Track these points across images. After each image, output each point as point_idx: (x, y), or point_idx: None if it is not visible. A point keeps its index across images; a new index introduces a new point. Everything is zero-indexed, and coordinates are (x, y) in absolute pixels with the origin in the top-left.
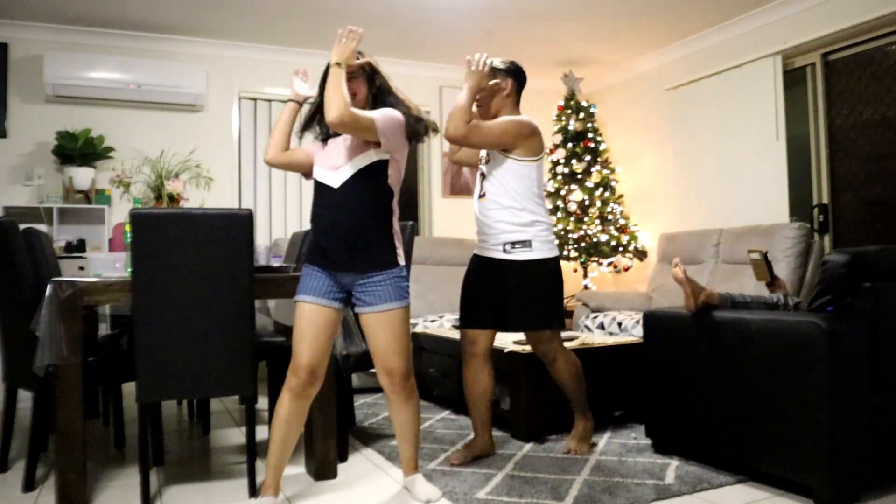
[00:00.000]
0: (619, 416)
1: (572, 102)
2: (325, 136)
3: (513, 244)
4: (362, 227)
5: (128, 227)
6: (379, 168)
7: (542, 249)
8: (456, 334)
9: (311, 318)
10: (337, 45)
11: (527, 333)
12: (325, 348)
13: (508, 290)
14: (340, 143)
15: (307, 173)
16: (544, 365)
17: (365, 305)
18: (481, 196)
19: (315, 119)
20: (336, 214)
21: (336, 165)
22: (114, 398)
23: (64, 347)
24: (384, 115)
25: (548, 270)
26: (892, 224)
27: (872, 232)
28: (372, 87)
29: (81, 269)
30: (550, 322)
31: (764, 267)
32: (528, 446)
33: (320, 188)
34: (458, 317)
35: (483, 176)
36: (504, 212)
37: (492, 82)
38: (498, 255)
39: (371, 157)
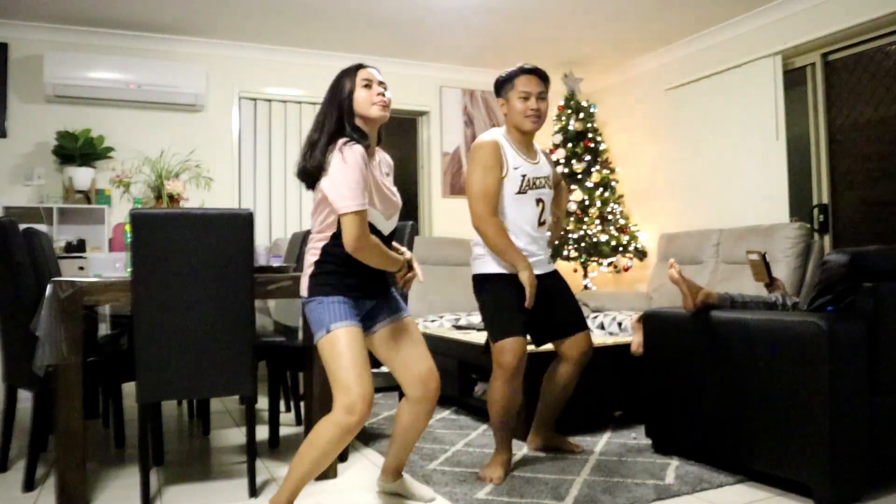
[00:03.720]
0: (619, 416)
1: (572, 102)
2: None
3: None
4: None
5: (128, 227)
6: None
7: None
8: (456, 334)
9: (361, 342)
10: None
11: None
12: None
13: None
14: (388, 192)
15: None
16: (546, 366)
17: (386, 317)
18: (542, 223)
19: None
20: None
21: (390, 215)
22: (114, 398)
23: (64, 347)
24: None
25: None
26: (892, 224)
27: (872, 232)
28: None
29: (81, 269)
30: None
31: (762, 268)
32: (527, 446)
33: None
34: (457, 317)
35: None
36: None
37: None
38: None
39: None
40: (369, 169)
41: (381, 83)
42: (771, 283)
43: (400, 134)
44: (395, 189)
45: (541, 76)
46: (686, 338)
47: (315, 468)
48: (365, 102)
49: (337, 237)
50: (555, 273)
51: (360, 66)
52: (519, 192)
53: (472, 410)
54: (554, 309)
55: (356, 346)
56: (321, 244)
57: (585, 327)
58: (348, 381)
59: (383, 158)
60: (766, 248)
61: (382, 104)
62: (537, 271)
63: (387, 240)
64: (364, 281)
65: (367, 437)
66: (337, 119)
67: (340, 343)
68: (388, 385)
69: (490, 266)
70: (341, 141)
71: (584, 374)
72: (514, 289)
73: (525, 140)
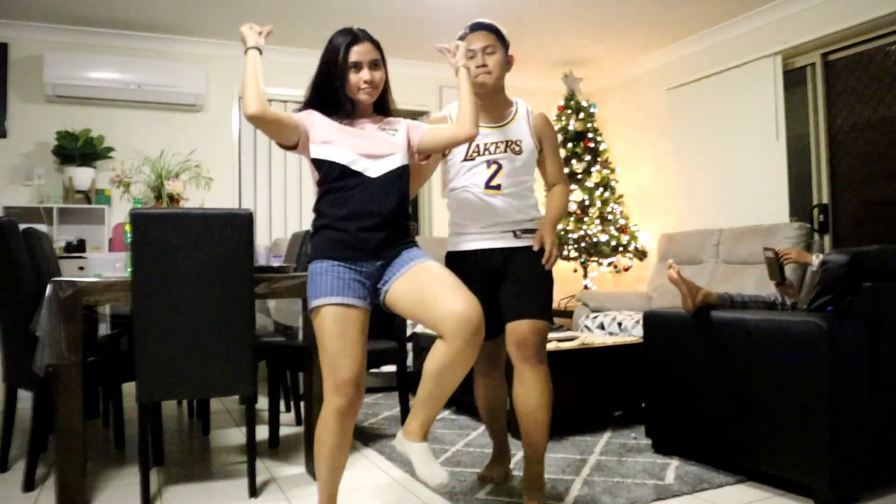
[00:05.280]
0: (619, 416)
1: (572, 102)
2: (350, 114)
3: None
4: (391, 221)
5: (128, 227)
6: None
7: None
8: None
9: (347, 320)
10: (249, 30)
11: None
12: (364, 354)
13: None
14: (380, 133)
15: (288, 145)
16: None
17: (393, 274)
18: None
19: (335, 95)
20: (369, 204)
21: (376, 154)
22: (114, 398)
23: (64, 347)
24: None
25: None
26: (892, 224)
27: (872, 232)
28: (387, 84)
29: (81, 269)
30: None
31: (776, 266)
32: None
33: (346, 172)
34: None
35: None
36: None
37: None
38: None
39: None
40: (342, 123)
41: (372, 63)
42: (782, 283)
43: None
44: (388, 139)
45: (485, 28)
46: (686, 338)
47: (325, 462)
48: (353, 87)
49: (320, 187)
50: (517, 250)
51: (351, 43)
52: (465, 160)
53: (473, 410)
54: (504, 292)
55: (340, 325)
56: (315, 204)
57: (530, 315)
58: (333, 362)
59: (385, 122)
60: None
61: (368, 91)
62: (487, 244)
63: (381, 185)
64: (348, 242)
65: (367, 437)
66: (329, 90)
67: (324, 322)
68: (387, 385)
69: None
70: None
71: (585, 374)
72: (456, 270)
73: (489, 103)
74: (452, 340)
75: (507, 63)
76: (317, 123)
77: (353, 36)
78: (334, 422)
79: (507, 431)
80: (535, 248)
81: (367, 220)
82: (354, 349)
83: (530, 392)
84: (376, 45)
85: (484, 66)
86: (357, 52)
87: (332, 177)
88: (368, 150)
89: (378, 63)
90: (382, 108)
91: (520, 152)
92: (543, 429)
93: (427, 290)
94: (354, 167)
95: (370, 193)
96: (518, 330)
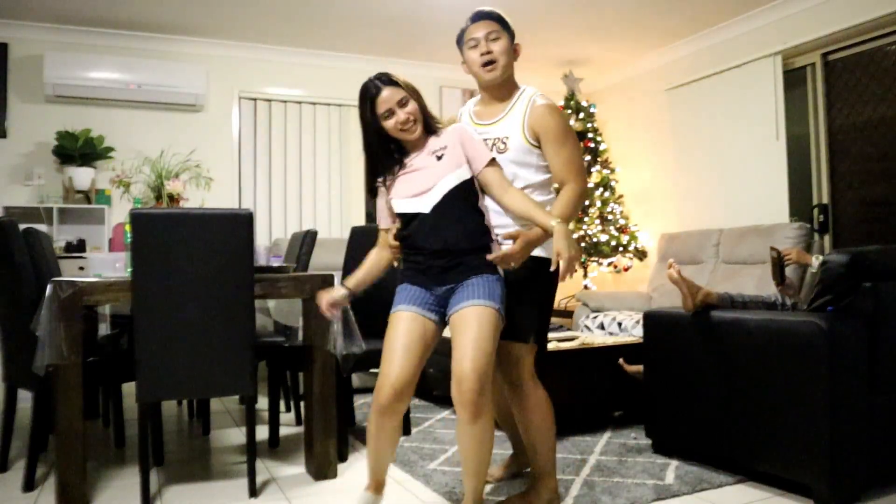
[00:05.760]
0: (619, 416)
1: (572, 102)
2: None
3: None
4: (452, 247)
5: (128, 227)
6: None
7: None
8: None
9: (406, 326)
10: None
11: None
12: (416, 366)
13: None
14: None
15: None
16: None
17: (455, 305)
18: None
19: (385, 150)
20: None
21: (425, 189)
22: (114, 398)
23: (64, 347)
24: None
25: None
26: (892, 224)
27: (872, 232)
28: (424, 109)
29: (81, 269)
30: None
31: (776, 267)
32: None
33: (408, 217)
34: None
35: None
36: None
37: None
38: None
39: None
40: (398, 172)
41: (399, 102)
42: (781, 283)
43: None
44: (433, 167)
45: (487, 16)
46: (686, 338)
47: (369, 451)
48: (393, 132)
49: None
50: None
51: (372, 100)
52: None
53: None
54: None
55: (398, 330)
56: None
57: (516, 337)
58: (383, 363)
59: (435, 142)
60: (767, 248)
61: (409, 129)
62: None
63: (435, 217)
64: (420, 269)
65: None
66: (376, 149)
67: (390, 327)
68: None
69: None
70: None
71: (585, 375)
72: None
73: (495, 97)
74: (456, 407)
75: (514, 51)
76: (384, 199)
77: (372, 91)
78: (374, 418)
79: (515, 435)
80: (489, 258)
81: (430, 247)
82: (403, 354)
83: (515, 409)
84: (397, 84)
85: (489, 52)
86: (381, 103)
87: (405, 224)
88: (419, 188)
89: (405, 100)
90: (428, 129)
91: (505, 150)
92: (528, 441)
93: (455, 345)
94: (412, 210)
95: (430, 227)
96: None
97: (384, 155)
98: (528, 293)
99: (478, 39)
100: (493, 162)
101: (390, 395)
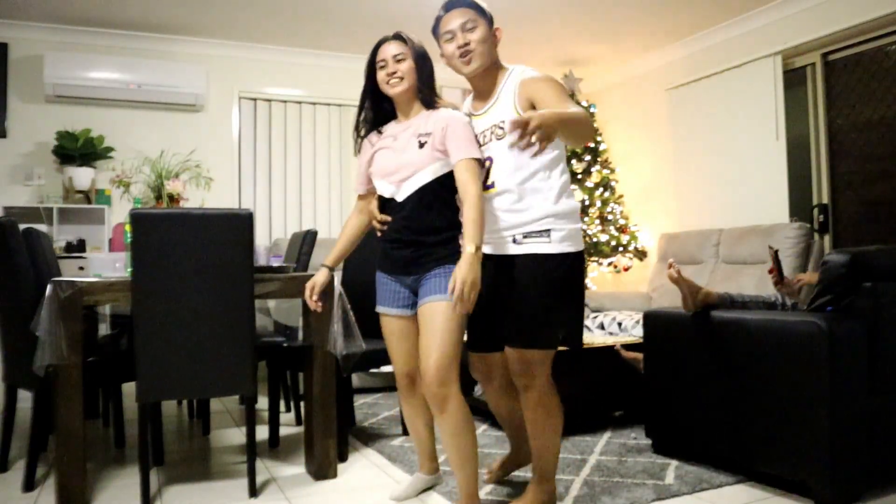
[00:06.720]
0: (619, 416)
1: None
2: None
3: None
4: (417, 239)
5: (128, 227)
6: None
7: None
8: None
9: (393, 325)
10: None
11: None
12: (414, 353)
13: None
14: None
15: None
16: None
17: (420, 299)
18: (488, 186)
19: (375, 99)
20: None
21: (403, 177)
22: (114, 398)
23: (64, 347)
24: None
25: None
26: (892, 224)
27: (872, 232)
28: (422, 74)
29: (81, 269)
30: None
31: (774, 265)
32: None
33: (384, 199)
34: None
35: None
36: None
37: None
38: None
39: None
40: (383, 134)
41: (395, 57)
42: (780, 282)
43: None
44: (413, 152)
45: (463, 3)
46: (686, 338)
47: (413, 435)
48: (382, 84)
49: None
50: (517, 259)
51: (376, 47)
52: None
53: (472, 410)
54: (496, 309)
55: (389, 332)
56: None
57: (517, 343)
58: (390, 357)
59: (424, 122)
60: (766, 248)
61: (389, 80)
62: (486, 250)
63: (406, 208)
64: (389, 254)
65: (366, 436)
66: (363, 101)
67: (381, 325)
68: (387, 385)
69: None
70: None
71: (585, 375)
72: None
73: (483, 85)
74: (428, 400)
75: (494, 37)
76: (365, 162)
77: (380, 42)
78: (403, 400)
79: (517, 436)
80: (508, 130)
81: (399, 237)
82: (398, 350)
83: (527, 412)
84: (405, 40)
85: (466, 44)
86: (381, 52)
87: (382, 204)
88: (395, 170)
89: (402, 56)
90: (427, 101)
91: (503, 136)
92: (535, 444)
93: (419, 341)
94: (387, 195)
95: (402, 217)
96: (507, 355)
97: (373, 109)
98: (534, 296)
99: (453, 31)
100: (468, 161)
101: (406, 381)
